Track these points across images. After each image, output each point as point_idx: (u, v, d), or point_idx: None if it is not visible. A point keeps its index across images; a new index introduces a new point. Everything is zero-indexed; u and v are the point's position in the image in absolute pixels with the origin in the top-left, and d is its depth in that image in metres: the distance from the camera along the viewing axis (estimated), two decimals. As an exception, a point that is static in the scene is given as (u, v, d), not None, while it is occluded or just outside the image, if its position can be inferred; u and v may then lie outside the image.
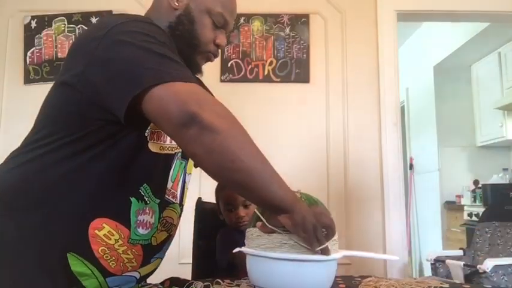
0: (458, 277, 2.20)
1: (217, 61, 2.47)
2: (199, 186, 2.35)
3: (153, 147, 0.89)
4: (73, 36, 2.50)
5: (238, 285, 1.00)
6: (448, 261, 2.40)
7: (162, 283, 1.06)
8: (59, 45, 2.48)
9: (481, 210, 3.19)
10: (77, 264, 0.83)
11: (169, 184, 0.96)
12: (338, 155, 2.42)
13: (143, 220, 0.90)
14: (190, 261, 1.63)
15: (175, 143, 0.94)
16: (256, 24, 2.51)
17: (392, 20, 2.54)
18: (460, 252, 2.58)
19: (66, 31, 2.50)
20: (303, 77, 2.47)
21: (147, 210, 0.91)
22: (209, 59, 1.03)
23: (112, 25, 0.83)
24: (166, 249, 1.03)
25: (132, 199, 0.88)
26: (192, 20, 0.97)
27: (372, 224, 2.37)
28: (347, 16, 2.53)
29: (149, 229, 0.92)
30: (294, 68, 2.47)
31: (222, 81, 2.46)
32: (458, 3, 2.57)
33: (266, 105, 2.46)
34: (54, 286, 0.82)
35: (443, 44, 4.11)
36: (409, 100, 4.93)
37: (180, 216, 1.05)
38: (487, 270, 2.07)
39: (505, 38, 3.64)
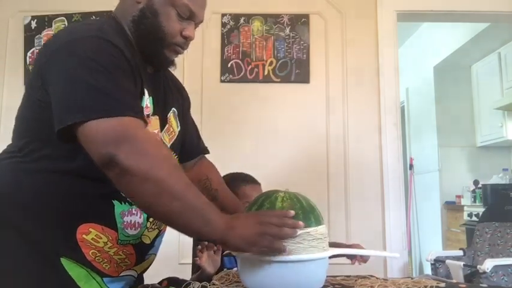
0: (458, 277, 2.20)
1: (217, 61, 2.48)
2: (199, 186, 2.36)
3: None
4: (73, 37, 2.50)
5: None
6: (448, 261, 2.40)
7: (160, 283, 1.06)
8: (59, 46, 2.48)
9: (481, 210, 3.18)
10: (72, 268, 0.86)
11: None
12: (338, 155, 2.42)
13: (131, 221, 0.91)
14: (190, 261, 1.63)
15: None
16: (256, 25, 2.51)
17: (392, 20, 2.54)
18: (460, 253, 2.58)
19: (66, 31, 2.50)
20: (303, 77, 2.47)
21: (133, 211, 0.91)
22: (178, 52, 1.00)
23: (59, 43, 0.85)
24: (159, 244, 1.05)
25: (115, 202, 0.89)
26: (155, 13, 0.94)
27: (372, 224, 2.37)
28: (347, 16, 2.53)
29: (138, 229, 0.93)
30: (294, 68, 2.47)
31: (222, 81, 2.46)
32: (458, 3, 2.57)
33: (266, 105, 2.46)
34: None
35: (443, 44, 4.11)
36: (409, 100, 4.93)
37: None
38: (487, 271, 2.07)
39: (505, 38, 3.63)
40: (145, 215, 0.94)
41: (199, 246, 1.22)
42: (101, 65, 0.81)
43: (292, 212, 0.81)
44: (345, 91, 2.47)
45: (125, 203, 0.90)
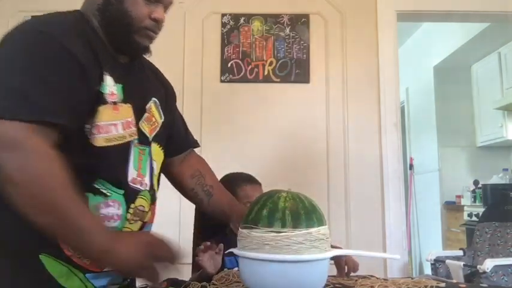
0: (458, 277, 2.20)
1: (217, 61, 2.48)
2: (199, 186, 2.36)
3: (97, 141, 0.87)
4: (73, 37, 2.50)
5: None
6: (448, 261, 2.40)
7: (160, 284, 1.06)
8: (59, 46, 2.48)
9: (481, 210, 3.18)
10: (52, 265, 0.84)
11: (133, 173, 0.94)
12: (338, 155, 2.42)
13: (108, 213, 0.89)
14: (190, 261, 1.63)
15: (128, 131, 0.93)
16: (256, 25, 2.51)
17: (393, 20, 2.54)
18: (460, 253, 2.59)
19: (66, 31, 2.50)
20: (303, 77, 2.47)
21: (110, 203, 0.90)
22: (150, 37, 0.97)
23: (6, 35, 0.85)
24: None
25: (89, 195, 0.87)
26: None
27: (372, 224, 2.37)
28: (347, 16, 2.53)
29: (118, 221, 0.91)
30: (294, 68, 2.47)
31: (222, 81, 2.46)
32: (458, 3, 2.57)
33: (266, 105, 2.46)
34: None
35: (443, 44, 4.11)
36: (409, 100, 4.93)
37: (153, 202, 1.02)
38: (487, 271, 2.07)
39: (505, 38, 3.63)
40: (125, 207, 0.92)
41: (201, 247, 1.21)
42: (28, 63, 0.80)
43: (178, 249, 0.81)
44: (345, 91, 2.47)
45: (100, 195, 0.88)
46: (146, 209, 0.98)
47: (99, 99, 0.87)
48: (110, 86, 0.90)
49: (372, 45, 2.51)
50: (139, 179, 0.96)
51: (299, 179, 2.34)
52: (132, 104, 0.95)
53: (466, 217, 3.67)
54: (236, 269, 1.11)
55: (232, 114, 2.45)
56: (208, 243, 1.22)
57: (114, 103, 0.90)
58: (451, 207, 4.04)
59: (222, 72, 2.47)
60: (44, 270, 0.83)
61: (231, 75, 2.47)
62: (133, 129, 0.95)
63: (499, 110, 3.73)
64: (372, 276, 1.16)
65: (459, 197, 4.02)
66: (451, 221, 4.00)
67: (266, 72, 2.47)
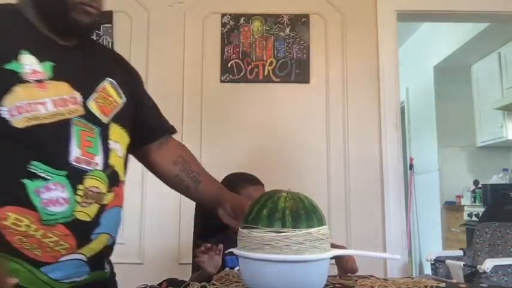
0: (458, 277, 2.20)
1: (217, 61, 2.48)
2: (199, 186, 2.36)
3: (18, 123, 0.83)
4: (73, 36, 2.50)
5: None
6: (448, 261, 2.40)
7: (160, 284, 1.06)
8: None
9: (481, 210, 3.18)
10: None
11: (77, 152, 0.89)
12: (338, 155, 2.42)
13: (51, 197, 0.84)
14: (190, 262, 1.63)
15: (64, 108, 0.89)
16: (256, 25, 2.51)
17: (393, 20, 2.54)
18: (460, 253, 2.59)
19: (66, 31, 2.50)
20: (303, 77, 2.47)
21: (51, 186, 0.84)
22: (88, 12, 0.92)
23: None
24: (112, 223, 0.97)
25: (25, 182, 0.83)
26: None
27: (372, 224, 2.37)
28: (347, 16, 2.53)
29: (66, 205, 0.86)
30: (294, 68, 2.47)
31: (222, 81, 2.46)
32: (458, 3, 2.57)
33: (266, 105, 2.46)
34: None
35: (443, 44, 4.11)
36: (409, 100, 4.93)
37: (115, 184, 0.97)
38: (487, 271, 2.07)
39: (505, 38, 3.64)
40: (71, 189, 0.86)
41: (202, 248, 1.21)
42: None
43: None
44: (345, 91, 2.47)
45: (37, 179, 0.83)
46: (103, 191, 0.92)
47: (13, 78, 0.84)
48: (31, 65, 0.86)
49: (372, 45, 2.51)
50: (85, 158, 0.90)
51: (299, 179, 2.34)
52: (70, 82, 0.91)
53: (466, 217, 3.67)
54: (237, 268, 1.11)
55: (232, 114, 2.45)
56: (209, 244, 1.21)
57: (39, 81, 0.87)
58: (451, 207, 4.04)
59: (222, 72, 2.47)
60: None
61: (231, 75, 2.47)
62: (73, 106, 0.90)
63: (499, 110, 3.73)
64: (371, 276, 1.16)
65: (459, 197, 4.02)
66: (451, 221, 4.00)
67: (266, 72, 2.47)
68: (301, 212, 0.83)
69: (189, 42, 2.49)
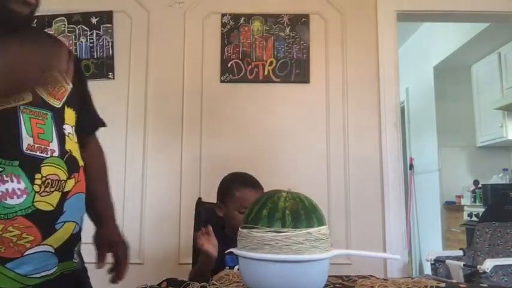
0: (458, 277, 2.21)
1: (217, 61, 2.48)
2: (199, 187, 2.36)
3: None
4: (73, 37, 2.50)
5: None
6: (448, 261, 2.40)
7: (160, 284, 1.06)
8: (59, 45, 2.48)
9: (481, 210, 3.19)
10: None
11: (29, 140, 0.86)
12: (338, 155, 2.42)
13: (7, 189, 0.81)
14: (190, 262, 1.63)
15: (9, 97, 0.87)
16: (256, 25, 2.51)
17: (393, 20, 2.54)
18: (460, 253, 2.59)
19: (66, 31, 2.50)
20: (303, 77, 2.47)
21: (5, 178, 0.81)
22: (27, 3, 0.91)
23: None
24: (76, 210, 0.94)
25: None
26: None
27: (372, 224, 2.37)
28: (347, 16, 2.53)
29: (24, 196, 0.83)
30: (294, 68, 2.47)
31: (222, 81, 2.46)
32: (458, 3, 2.57)
33: (266, 105, 2.46)
34: None
35: (443, 44, 4.11)
36: (409, 100, 4.94)
37: (75, 170, 0.95)
38: (487, 271, 2.07)
39: (505, 38, 3.64)
40: (27, 179, 0.83)
41: (199, 233, 1.27)
42: None
43: None
44: (345, 91, 2.47)
45: None
46: (63, 178, 0.90)
47: None
48: None
49: (372, 45, 2.51)
50: (38, 145, 0.87)
51: (299, 178, 2.34)
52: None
53: (466, 217, 3.67)
54: (237, 267, 1.11)
55: (232, 114, 2.45)
56: (204, 228, 1.29)
57: None
58: (451, 207, 4.04)
59: (222, 72, 2.47)
60: None
61: (231, 75, 2.47)
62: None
63: (499, 110, 3.73)
64: (371, 276, 1.16)
65: (459, 197, 4.02)
66: (451, 221, 4.00)
67: (266, 72, 2.47)
68: (301, 212, 0.83)
69: (189, 42, 2.49)
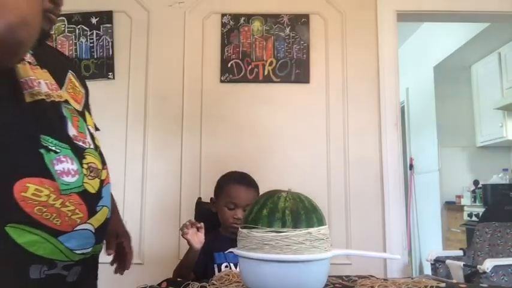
0: (458, 277, 2.21)
1: (217, 61, 2.48)
2: (199, 186, 2.36)
3: (27, 97, 0.87)
4: (73, 37, 2.50)
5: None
6: (448, 261, 2.40)
7: (160, 284, 1.06)
8: (59, 46, 2.48)
9: (481, 210, 3.19)
10: (21, 235, 0.82)
11: (73, 131, 0.95)
12: (338, 155, 2.42)
13: (64, 168, 0.88)
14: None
15: (54, 92, 0.93)
16: (256, 25, 2.51)
17: (393, 20, 2.54)
18: (460, 253, 2.59)
19: (66, 31, 2.50)
20: (303, 77, 2.47)
21: (62, 158, 0.88)
22: (51, 20, 0.92)
23: None
24: (109, 197, 1.01)
25: (42, 151, 0.86)
26: None
27: (372, 224, 2.37)
28: (347, 16, 2.53)
29: (76, 176, 0.90)
30: (294, 68, 2.47)
31: (222, 81, 2.46)
32: (458, 3, 2.57)
33: (266, 105, 2.46)
34: (8, 270, 0.81)
35: (443, 44, 4.11)
36: (409, 100, 4.94)
37: (103, 162, 1.02)
38: (487, 271, 2.07)
39: (505, 38, 3.64)
40: (78, 161, 0.92)
41: (187, 222, 1.29)
42: None
43: None
44: (345, 91, 2.47)
45: (50, 152, 0.87)
46: (99, 167, 0.98)
47: None
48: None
49: (372, 45, 2.51)
50: (80, 137, 0.96)
51: (299, 178, 2.34)
52: (49, 71, 0.96)
53: (466, 217, 3.68)
54: (237, 268, 1.11)
55: (232, 114, 2.45)
56: (193, 220, 1.31)
57: (30, 63, 0.91)
58: (451, 207, 4.04)
59: (222, 72, 2.47)
60: (13, 243, 0.81)
61: (231, 75, 2.46)
62: (59, 92, 0.96)
63: (499, 110, 3.73)
64: (371, 276, 1.16)
65: (459, 197, 4.02)
66: (451, 221, 4.00)
67: (266, 72, 2.47)
68: (301, 212, 0.83)
69: (189, 42, 2.49)
